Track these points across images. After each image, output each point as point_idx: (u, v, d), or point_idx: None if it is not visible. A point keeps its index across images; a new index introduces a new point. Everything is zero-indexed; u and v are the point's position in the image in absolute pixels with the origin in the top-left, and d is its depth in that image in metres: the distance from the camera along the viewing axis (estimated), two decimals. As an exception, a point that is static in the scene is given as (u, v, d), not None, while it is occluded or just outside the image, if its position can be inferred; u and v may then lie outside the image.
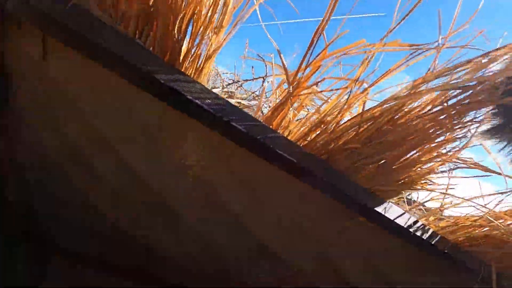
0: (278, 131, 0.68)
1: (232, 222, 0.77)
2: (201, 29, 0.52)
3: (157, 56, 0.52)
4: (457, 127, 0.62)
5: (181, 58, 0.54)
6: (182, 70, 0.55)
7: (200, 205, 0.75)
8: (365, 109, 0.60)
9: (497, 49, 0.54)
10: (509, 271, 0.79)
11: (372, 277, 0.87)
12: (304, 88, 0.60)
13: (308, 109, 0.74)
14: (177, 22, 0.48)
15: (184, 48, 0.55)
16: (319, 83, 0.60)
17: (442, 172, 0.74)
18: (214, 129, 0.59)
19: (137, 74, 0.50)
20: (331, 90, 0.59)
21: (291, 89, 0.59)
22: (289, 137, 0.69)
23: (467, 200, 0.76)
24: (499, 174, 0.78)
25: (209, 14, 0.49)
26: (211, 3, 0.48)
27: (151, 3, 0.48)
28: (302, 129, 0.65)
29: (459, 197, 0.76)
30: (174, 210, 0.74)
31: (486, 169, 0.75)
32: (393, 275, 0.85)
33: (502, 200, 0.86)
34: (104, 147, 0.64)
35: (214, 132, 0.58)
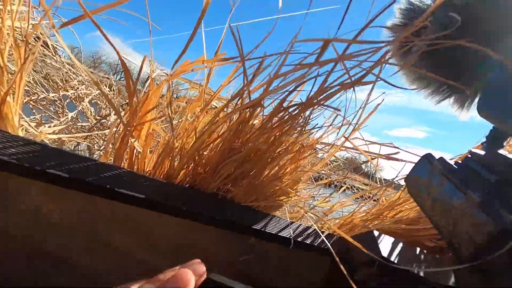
0: (127, 166, 0.63)
1: (127, 259, 0.70)
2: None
3: None
4: (304, 130, 0.62)
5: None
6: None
7: (89, 249, 0.67)
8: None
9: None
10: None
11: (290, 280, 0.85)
12: (142, 116, 0.57)
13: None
14: None
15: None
16: (153, 109, 0.57)
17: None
18: (38, 180, 0.52)
19: None
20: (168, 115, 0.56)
21: (124, 121, 0.55)
22: (148, 168, 0.65)
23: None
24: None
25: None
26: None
27: None
28: (160, 158, 0.62)
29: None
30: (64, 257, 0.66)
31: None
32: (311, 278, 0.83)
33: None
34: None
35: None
